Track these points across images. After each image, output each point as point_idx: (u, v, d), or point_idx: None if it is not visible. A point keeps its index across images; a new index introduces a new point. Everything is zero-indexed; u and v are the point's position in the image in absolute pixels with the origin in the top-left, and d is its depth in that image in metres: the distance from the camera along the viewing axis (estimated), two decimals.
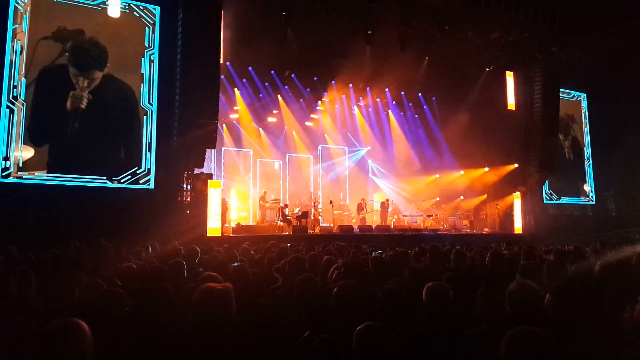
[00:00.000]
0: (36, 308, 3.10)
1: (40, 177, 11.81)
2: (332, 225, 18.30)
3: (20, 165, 11.63)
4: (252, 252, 7.64)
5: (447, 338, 2.95)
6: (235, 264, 4.87)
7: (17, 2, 11.92)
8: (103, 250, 5.35)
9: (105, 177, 12.55)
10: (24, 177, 11.65)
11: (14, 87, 11.71)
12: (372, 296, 3.38)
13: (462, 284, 4.12)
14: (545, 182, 19.90)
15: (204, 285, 2.58)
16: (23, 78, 11.82)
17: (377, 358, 2.30)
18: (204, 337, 2.34)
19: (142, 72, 13.29)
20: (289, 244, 7.82)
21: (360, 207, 19.23)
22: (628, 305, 3.38)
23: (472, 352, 2.76)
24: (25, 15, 11.97)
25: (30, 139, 11.79)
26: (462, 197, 21.36)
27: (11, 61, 11.72)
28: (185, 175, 13.52)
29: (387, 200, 20.12)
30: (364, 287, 3.18)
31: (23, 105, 11.76)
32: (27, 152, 11.79)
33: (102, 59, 12.80)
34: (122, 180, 12.74)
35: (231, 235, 14.14)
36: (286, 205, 16.83)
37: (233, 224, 15.83)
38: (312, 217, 17.24)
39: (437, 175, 22.19)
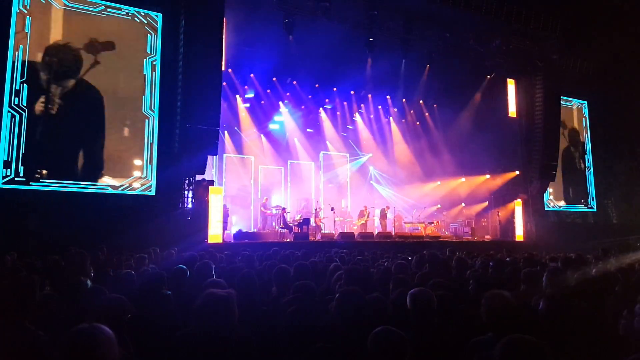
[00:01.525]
0: (39, 315, 3.08)
1: (42, 183, 11.81)
2: (333, 232, 18.28)
3: (22, 171, 11.64)
4: (254, 258, 7.62)
5: (439, 342, 2.96)
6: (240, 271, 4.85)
7: (19, 8, 11.99)
8: (79, 258, 5.17)
9: (106, 184, 12.57)
10: (25, 183, 11.65)
11: (16, 93, 11.74)
12: (375, 302, 3.37)
13: (455, 290, 4.13)
14: (547, 189, 19.89)
15: (207, 291, 2.57)
16: (25, 84, 11.85)
17: None
18: (206, 342, 2.34)
19: (143, 78, 13.33)
20: (289, 251, 7.81)
21: (362, 214, 19.23)
22: (625, 312, 3.37)
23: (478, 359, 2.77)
24: (27, 22, 12.02)
25: (31, 145, 11.80)
26: (463, 204, 21.36)
27: (13, 68, 11.77)
28: (186, 181, 13.53)
29: (387, 207, 20.12)
30: (365, 293, 3.18)
31: (25, 111, 11.78)
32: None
33: (77, 65, 12.57)
34: (123, 187, 12.75)
35: (232, 241, 14.14)
36: (284, 210, 16.82)
37: (234, 231, 15.82)
38: (314, 224, 17.24)
39: (439, 182, 22.19)
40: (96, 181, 12.42)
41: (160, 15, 13.74)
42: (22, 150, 11.67)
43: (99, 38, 12.76)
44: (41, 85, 12.09)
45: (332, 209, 18.42)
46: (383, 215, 19.68)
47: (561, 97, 20.11)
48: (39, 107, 12.01)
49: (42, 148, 11.94)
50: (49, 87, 12.20)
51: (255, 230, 17.27)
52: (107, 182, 12.55)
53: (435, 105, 21.70)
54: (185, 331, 2.56)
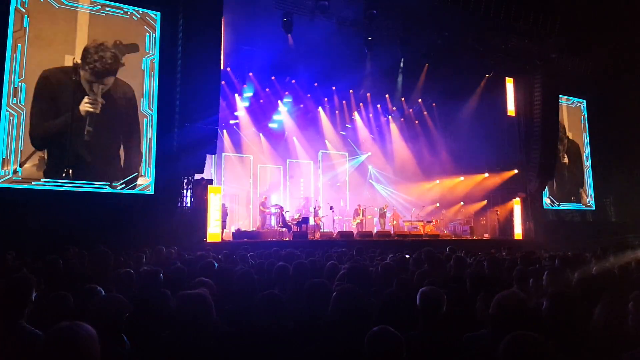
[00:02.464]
0: (35, 313, 3.08)
1: (41, 182, 11.80)
2: (332, 231, 18.29)
3: (20, 170, 11.62)
4: (252, 258, 7.63)
5: (444, 342, 2.95)
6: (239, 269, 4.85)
7: (17, 6, 11.95)
8: (103, 256, 5.29)
9: (105, 183, 12.55)
10: (24, 182, 11.64)
11: (15, 91, 11.71)
12: (372, 301, 3.38)
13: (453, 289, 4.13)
14: (545, 188, 19.91)
15: (179, 293, 2.57)
16: (23, 83, 11.83)
17: None
18: (186, 342, 2.32)
19: (142, 77, 13.32)
20: (289, 249, 7.81)
21: (357, 213, 19.19)
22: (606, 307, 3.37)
23: (474, 355, 2.77)
24: (25, 19, 11.99)
25: (31, 143, 11.78)
26: (462, 203, 21.36)
27: (11, 66, 11.74)
28: (185, 180, 13.52)
29: (386, 205, 20.10)
30: (363, 292, 3.18)
31: (23, 110, 11.77)
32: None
33: (115, 64, 12.95)
34: (122, 186, 12.74)
35: (231, 240, 14.13)
36: (282, 209, 16.81)
37: (233, 230, 15.81)
38: (313, 223, 17.23)
39: (437, 181, 22.20)
40: (95, 180, 12.40)
41: (158, 14, 13.71)
42: (20, 148, 11.66)
43: (123, 40, 13.06)
44: (82, 85, 12.37)
45: (331, 208, 18.42)
46: (382, 214, 19.69)
47: (560, 95, 20.13)
48: (84, 107, 12.32)
49: (42, 147, 11.93)
50: (91, 87, 12.51)
51: (255, 229, 17.27)
52: (106, 182, 12.52)
53: (434, 104, 21.71)
54: (167, 334, 2.56)
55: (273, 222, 17.28)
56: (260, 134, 20.00)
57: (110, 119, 12.74)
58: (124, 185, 12.72)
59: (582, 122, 22.50)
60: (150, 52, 13.49)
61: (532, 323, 2.93)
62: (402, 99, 21.52)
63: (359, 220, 18.90)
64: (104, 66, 12.76)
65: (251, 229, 17.47)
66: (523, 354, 2.09)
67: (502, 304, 2.84)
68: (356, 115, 22.01)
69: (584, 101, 22.56)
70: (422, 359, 2.81)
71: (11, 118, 11.61)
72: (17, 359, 2.50)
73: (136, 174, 12.93)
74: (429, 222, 19.65)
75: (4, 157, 11.49)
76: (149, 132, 13.23)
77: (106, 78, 12.80)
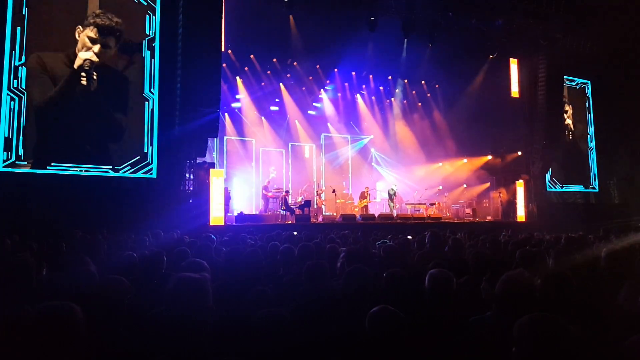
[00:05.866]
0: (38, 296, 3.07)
1: (43, 166, 11.78)
2: (335, 214, 18.30)
3: (22, 154, 11.60)
4: (252, 241, 7.64)
5: (451, 323, 2.94)
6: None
7: None
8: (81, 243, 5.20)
9: (108, 166, 12.54)
10: (26, 166, 11.62)
11: (15, 76, 11.64)
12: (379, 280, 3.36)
13: (458, 270, 4.12)
14: (549, 170, 19.83)
15: (178, 275, 2.51)
16: (23, 67, 11.74)
17: (390, 341, 2.31)
18: (178, 326, 2.27)
19: (142, 59, 13.20)
20: (295, 233, 7.82)
21: (363, 196, 19.17)
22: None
23: (480, 338, 2.76)
24: (24, 3, 11.84)
25: (33, 127, 11.74)
26: (465, 185, 21.33)
27: (11, 50, 11.64)
28: (187, 164, 13.50)
29: (395, 186, 20.06)
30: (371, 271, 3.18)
31: (24, 93, 11.70)
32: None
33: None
34: (124, 170, 12.72)
35: (234, 224, 14.16)
36: (287, 192, 16.80)
37: (236, 213, 15.82)
38: (315, 206, 17.23)
39: (441, 164, 22.14)
40: (97, 164, 12.37)
41: None
42: (21, 132, 11.62)
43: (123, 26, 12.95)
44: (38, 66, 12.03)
45: (334, 191, 18.41)
46: (391, 197, 19.68)
47: (564, 76, 19.93)
48: (36, 88, 11.98)
49: (44, 131, 11.89)
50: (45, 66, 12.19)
51: (257, 213, 17.28)
52: (109, 165, 12.50)
53: (437, 86, 21.56)
54: (155, 312, 2.53)
55: (276, 206, 17.27)
56: (262, 117, 19.91)
57: (102, 103, 12.51)
58: (127, 168, 12.71)
59: (586, 103, 22.31)
60: (151, 35, 13.35)
61: (538, 303, 2.91)
62: (405, 80, 21.35)
63: (365, 203, 18.84)
64: (107, 23, 12.59)
65: (254, 213, 17.49)
66: (544, 337, 1.97)
67: (508, 284, 2.81)
68: (358, 98, 21.87)
69: (589, 82, 22.32)
70: (428, 340, 2.80)
71: (12, 102, 11.56)
72: (16, 342, 2.49)
73: (139, 157, 12.90)
74: (432, 204, 19.64)
75: (5, 135, 11.44)
76: (150, 115, 13.16)
77: (107, 37, 12.59)
